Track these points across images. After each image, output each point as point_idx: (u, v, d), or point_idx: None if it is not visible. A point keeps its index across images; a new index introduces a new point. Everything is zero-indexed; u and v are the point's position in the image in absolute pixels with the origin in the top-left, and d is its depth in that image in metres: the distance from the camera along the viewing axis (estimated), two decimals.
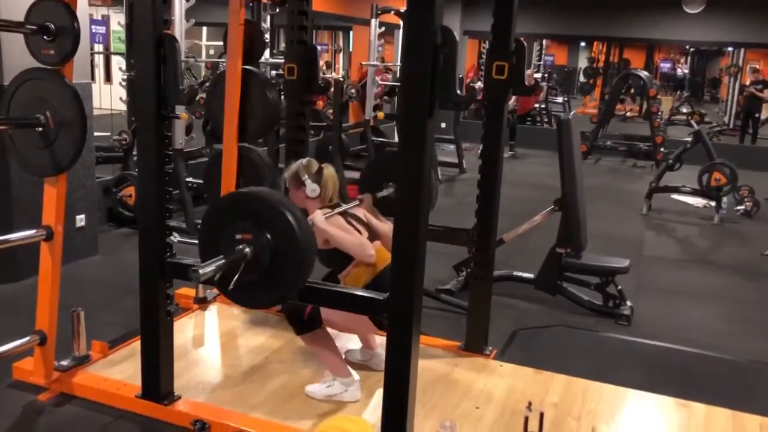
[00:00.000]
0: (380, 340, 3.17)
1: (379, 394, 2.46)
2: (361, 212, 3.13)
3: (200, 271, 2.20)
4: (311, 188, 2.99)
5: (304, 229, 2.32)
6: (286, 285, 2.35)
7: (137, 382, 2.93)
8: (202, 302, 3.95)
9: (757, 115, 12.57)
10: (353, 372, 3.03)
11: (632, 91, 11.05)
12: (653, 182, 7.54)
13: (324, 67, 15.13)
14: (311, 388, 3.02)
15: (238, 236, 2.29)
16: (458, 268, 4.71)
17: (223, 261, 2.25)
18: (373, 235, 3.05)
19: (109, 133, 7.09)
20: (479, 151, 3.39)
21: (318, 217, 2.83)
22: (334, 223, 2.91)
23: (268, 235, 2.28)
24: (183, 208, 5.58)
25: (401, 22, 9.04)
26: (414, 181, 2.23)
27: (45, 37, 2.78)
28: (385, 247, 2.96)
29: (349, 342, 3.44)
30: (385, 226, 3.09)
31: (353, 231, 2.96)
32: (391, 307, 2.35)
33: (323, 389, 3.00)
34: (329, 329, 3.02)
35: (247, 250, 2.28)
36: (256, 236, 2.28)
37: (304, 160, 3.08)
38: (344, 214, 3.02)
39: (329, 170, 3.07)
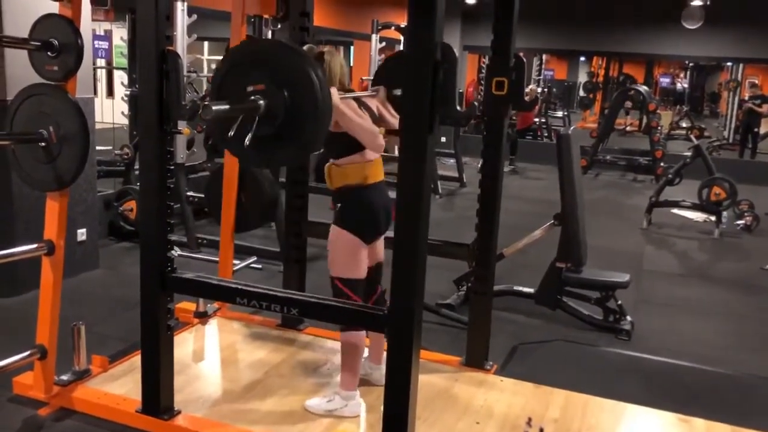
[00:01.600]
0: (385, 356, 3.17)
1: (379, 409, 2.45)
2: (374, 104, 3.00)
3: (213, 108, 2.11)
4: None
5: (324, 89, 2.22)
6: (304, 140, 2.24)
7: (137, 397, 2.92)
8: (203, 316, 3.95)
9: (756, 129, 12.61)
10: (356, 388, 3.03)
11: (631, 104, 11.10)
12: (653, 197, 7.55)
13: None
14: (311, 403, 3.02)
15: (249, 88, 2.20)
16: (458, 283, 4.71)
17: (234, 106, 2.16)
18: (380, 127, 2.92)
19: (110, 147, 7.11)
20: (479, 166, 3.41)
21: (334, 93, 2.58)
22: (349, 105, 2.76)
23: (285, 90, 2.19)
24: (184, 222, 5.59)
25: (402, 38, 9.10)
26: (414, 196, 2.24)
27: (49, 53, 2.80)
28: (392, 145, 2.86)
29: None
30: (396, 122, 2.94)
31: (367, 118, 2.84)
32: (391, 322, 2.36)
33: (323, 404, 2.99)
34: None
35: (261, 102, 2.20)
36: (270, 88, 2.19)
37: (305, 46, 2.94)
38: (358, 100, 2.90)
39: (334, 56, 2.91)
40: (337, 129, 2.74)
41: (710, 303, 5.07)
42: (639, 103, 11.12)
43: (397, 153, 2.54)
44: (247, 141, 2.21)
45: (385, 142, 2.86)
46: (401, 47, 9.98)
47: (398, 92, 3.18)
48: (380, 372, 3.21)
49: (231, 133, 2.23)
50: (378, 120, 2.95)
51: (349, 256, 2.89)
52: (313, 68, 2.25)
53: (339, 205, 2.91)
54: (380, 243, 3.06)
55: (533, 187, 9.62)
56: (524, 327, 4.34)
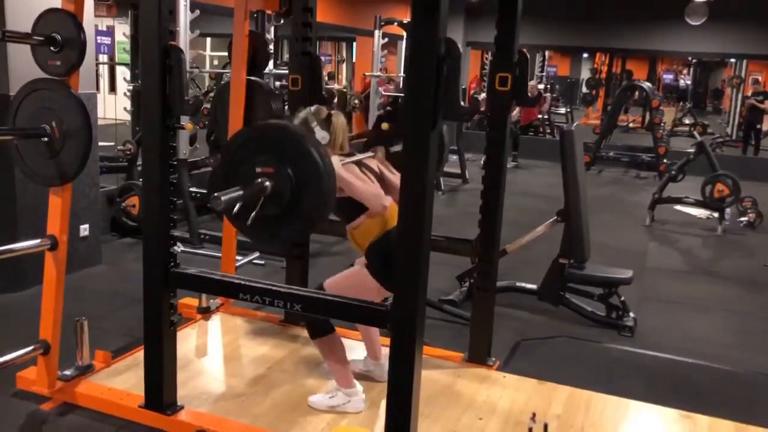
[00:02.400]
0: (385, 351, 3.17)
1: (382, 404, 2.45)
2: (374, 163, 3.04)
3: (222, 198, 2.15)
4: (321, 135, 2.87)
5: (327, 166, 2.25)
6: (307, 220, 2.28)
7: (140, 392, 2.93)
8: (206, 312, 3.95)
9: (758, 126, 12.58)
10: (357, 383, 3.03)
11: (635, 102, 11.14)
12: (656, 193, 7.54)
13: (327, 78, 15.18)
14: (314, 399, 3.02)
15: (258, 169, 2.23)
16: (461, 279, 4.71)
17: (242, 192, 2.20)
18: (386, 187, 2.96)
19: (113, 143, 7.11)
20: (482, 162, 3.40)
21: (336, 162, 2.67)
22: (350, 170, 2.83)
23: (290, 170, 2.22)
24: (186, 218, 5.60)
25: (405, 34, 9.09)
26: (417, 192, 2.24)
27: (52, 48, 2.80)
28: (396, 201, 2.90)
29: (352, 352, 3.44)
30: (397, 180, 3.02)
31: (368, 180, 2.89)
32: (394, 318, 2.36)
33: (326, 400, 2.99)
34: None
35: (268, 183, 2.23)
36: (278, 169, 2.22)
37: (312, 107, 2.97)
38: (359, 163, 2.94)
39: (339, 118, 2.97)
40: (341, 194, 2.79)
41: (713, 300, 5.07)
42: (642, 100, 11.10)
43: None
44: (249, 221, 2.25)
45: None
46: (404, 43, 9.98)
47: (397, 148, 3.24)
48: (381, 368, 3.21)
49: (235, 210, 2.27)
50: (380, 178, 2.99)
51: (362, 289, 2.84)
52: (316, 148, 2.28)
53: (371, 253, 2.88)
54: None
55: (536, 184, 9.61)
56: (527, 323, 4.34)
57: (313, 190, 2.25)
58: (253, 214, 2.23)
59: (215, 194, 2.17)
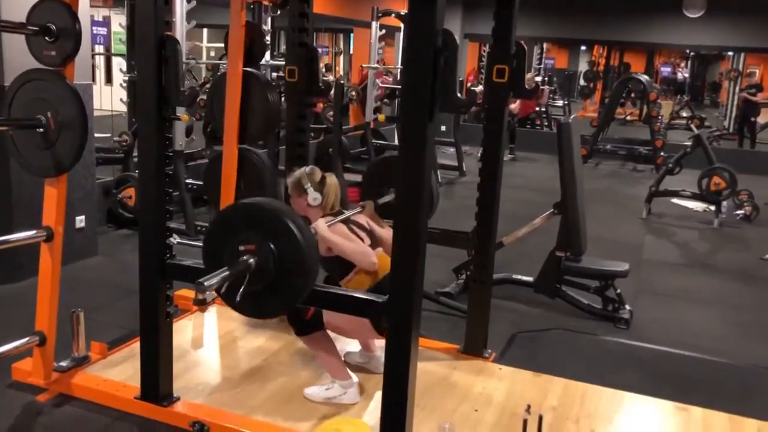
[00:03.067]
0: (379, 343, 3.18)
1: (378, 396, 2.46)
2: (363, 219, 3.12)
3: (206, 284, 2.20)
4: (313, 197, 2.98)
5: (307, 238, 2.31)
6: (292, 294, 2.34)
7: (136, 384, 2.93)
8: (202, 304, 3.95)
9: (753, 119, 12.58)
10: (352, 374, 3.04)
11: (632, 95, 11.14)
12: (653, 186, 7.55)
13: (324, 70, 15.15)
14: (310, 391, 3.02)
15: (241, 248, 2.28)
16: (458, 271, 4.71)
17: (227, 272, 2.24)
18: (376, 241, 3.05)
19: (109, 134, 7.09)
20: (479, 154, 3.40)
21: (321, 225, 2.83)
22: (337, 230, 2.91)
23: (272, 245, 2.27)
24: (183, 209, 5.58)
25: (402, 25, 9.07)
26: (414, 184, 2.23)
27: (46, 38, 2.78)
28: (387, 253, 2.96)
29: (348, 345, 3.44)
30: (388, 232, 3.08)
31: (355, 239, 2.95)
32: (390, 310, 2.35)
33: (322, 392, 3.00)
34: (330, 332, 3.02)
35: (252, 260, 2.27)
36: (260, 246, 2.27)
37: (307, 168, 3.07)
38: (346, 221, 3.02)
39: (332, 179, 3.07)
40: (330, 254, 2.88)
41: (709, 293, 5.08)
42: (639, 93, 11.09)
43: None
44: (238, 297, 2.27)
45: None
46: (401, 35, 9.95)
47: (387, 199, 3.28)
48: (376, 360, 3.23)
49: (223, 290, 2.31)
50: (370, 233, 3.04)
51: (353, 323, 2.83)
52: (295, 223, 2.30)
53: None
54: None
55: (533, 176, 9.61)
56: (523, 315, 4.35)
57: (295, 263, 2.28)
58: (241, 289, 2.27)
59: (198, 281, 2.19)
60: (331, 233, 2.85)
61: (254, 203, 2.44)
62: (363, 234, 3.02)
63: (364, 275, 2.92)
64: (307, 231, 2.35)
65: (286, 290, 2.33)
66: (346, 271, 2.94)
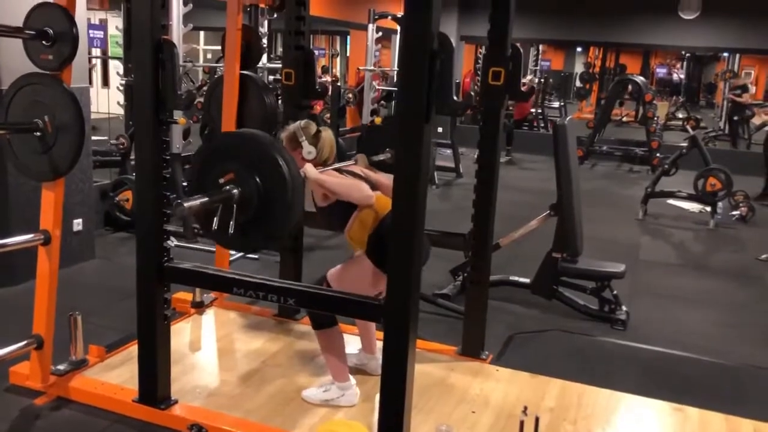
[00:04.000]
0: (379, 345, 3.18)
1: (376, 398, 2.46)
2: (357, 169, 3.06)
3: (185, 204, 2.19)
4: (308, 150, 2.90)
5: (292, 168, 2.30)
6: (277, 225, 2.33)
7: (134, 387, 2.93)
8: (199, 306, 3.95)
9: (736, 117, 12.58)
10: (351, 377, 3.04)
11: (628, 95, 11.15)
12: (649, 187, 7.57)
13: (320, 72, 15.15)
14: (308, 393, 3.03)
15: (221, 180, 2.28)
16: (455, 273, 4.72)
17: (207, 198, 2.26)
18: (372, 186, 2.95)
19: (106, 138, 7.09)
20: (476, 156, 3.41)
21: (309, 168, 2.74)
22: (329, 174, 2.84)
23: (256, 177, 2.28)
24: None
25: (398, 27, 9.07)
26: (411, 185, 2.24)
27: (44, 42, 2.79)
28: (387, 195, 2.89)
29: (347, 346, 3.45)
30: (383, 178, 3.02)
31: (347, 177, 2.89)
32: (388, 312, 2.36)
33: (320, 394, 3.00)
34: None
35: (235, 191, 2.27)
36: (242, 176, 2.27)
37: (302, 122, 2.99)
38: (339, 170, 2.95)
39: (327, 133, 2.99)
40: (327, 201, 2.85)
41: (705, 293, 5.09)
42: (635, 94, 11.12)
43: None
44: (231, 229, 2.29)
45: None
46: (398, 37, 9.96)
47: (381, 157, 3.27)
48: (376, 362, 3.23)
49: (215, 226, 2.33)
50: (366, 181, 2.98)
51: (360, 278, 2.86)
52: (279, 153, 2.32)
53: (369, 248, 2.87)
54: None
55: (529, 178, 9.63)
56: (520, 317, 4.36)
57: (280, 197, 2.28)
58: (232, 221, 2.28)
59: (178, 201, 2.21)
60: (321, 174, 2.77)
61: (238, 134, 2.44)
62: (358, 180, 2.95)
63: (365, 215, 2.84)
64: (293, 162, 2.33)
65: (270, 222, 2.32)
66: (345, 219, 2.87)
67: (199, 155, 2.48)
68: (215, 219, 2.32)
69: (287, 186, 2.29)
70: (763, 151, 8.91)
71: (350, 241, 2.96)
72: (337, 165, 2.98)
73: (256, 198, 2.28)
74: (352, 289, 2.83)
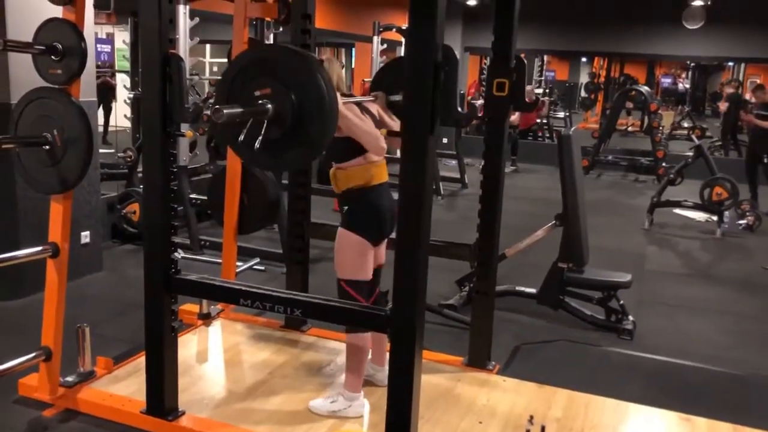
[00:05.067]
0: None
1: (383, 409, 2.46)
2: (374, 108, 3.04)
3: (224, 111, 2.15)
4: None
5: (330, 89, 2.26)
6: (312, 142, 2.29)
7: (142, 398, 2.94)
8: (206, 318, 3.96)
9: (756, 148, 12.34)
10: (361, 389, 3.04)
11: (631, 104, 11.11)
12: (655, 197, 7.56)
13: None
14: (314, 404, 3.03)
15: (256, 93, 2.23)
16: (461, 283, 4.72)
17: (242, 109, 2.21)
18: (382, 127, 2.97)
19: (113, 150, 7.13)
20: (481, 166, 3.42)
21: (338, 98, 2.62)
22: (351, 109, 2.80)
23: (293, 93, 2.23)
24: (187, 224, 5.61)
25: (403, 39, 9.11)
26: (416, 197, 2.26)
27: (53, 57, 2.82)
28: (393, 146, 2.93)
29: None
30: (395, 124, 3.01)
31: (369, 121, 2.88)
32: (393, 322, 2.37)
33: (327, 405, 3.01)
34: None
35: (269, 106, 2.23)
36: (278, 92, 2.22)
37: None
38: (359, 105, 2.93)
39: (333, 63, 2.95)
40: (339, 133, 2.76)
41: (712, 303, 5.08)
42: (640, 104, 11.12)
43: (399, 154, 2.57)
44: (257, 144, 2.24)
45: (387, 144, 2.89)
46: (402, 49, 10.00)
47: (397, 98, 3.21)
48: (383, 373, 3.22)
49: (241, 137, 2.27)
50: (379, 124, 2.98)
51: (357, 257, 2.89)
52: (320, 72, 2.28)
53: (345, 208, 2.93)
54: (383, 246, 3.08)
55: (535, 188, 9.63)
56: (526, 327, 4.35)
57: (316, 113, 2.23)
58: (260, 137, 2.22)
59: (217, 107, 2.16)
60: (347, 108, 2.74)
61: (278, 48, 2.37)
62: (372, 122, 2.93)
63: (355, 174, 2.86)
64: (331, 85, 2.28)
65: (300, 145, 2.27)
66: (348, 155, 2.87)
67: (235, 64, 2.41)
68: (243, 132, 2.27)
69: (325, 109, 2.23)
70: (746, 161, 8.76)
71: (332, 178, 2.96)
72: (357, 99, 2.95)
73: (289, 117, 2.23)
74: (353, 268, 2.89)
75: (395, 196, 2.50)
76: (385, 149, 2.84)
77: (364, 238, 2.86)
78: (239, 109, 2.22)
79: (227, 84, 2.38)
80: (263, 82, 2.26)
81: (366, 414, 3.00)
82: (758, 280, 5.67)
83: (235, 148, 2.41)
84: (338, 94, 2.66)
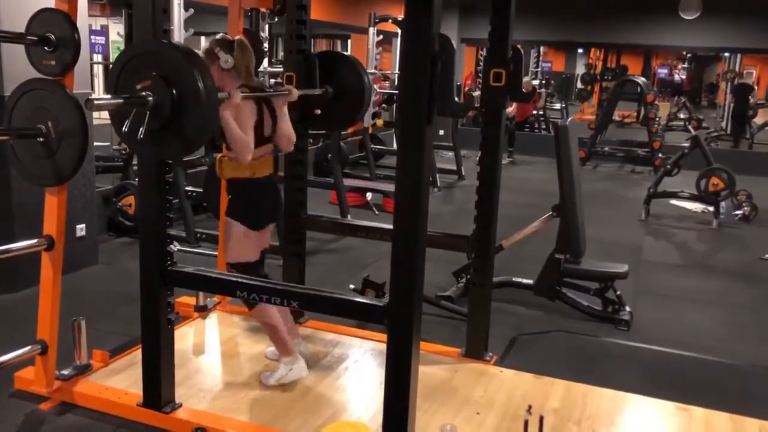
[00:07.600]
0: (382, 347, 3.18)
1: (380, 399, 2.46)
2: (280, 104, 3.13)
3: (95, 102, 2.22)
4: (224, 59, 2.92)
5: (208, 86, 2.32)
6: (189, 137, 2.36)
7: (138, 391, 2.94)
8: (203, 310, 3.96)
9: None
10: (297, 352, 3.17)
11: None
12: (651, 188, 7.57)
13: None
14: (262, 378, 3.16)
15: (138, 86, 2.32)
16: (458, 275, 4.72)
17: (120, 100, 2.29)
18: (275, 131, 3.09)
19: (108, 143, 7.11)
20: (478, 158, 3.41)
21: (235, 96, 2.79)
22: (244, 108, 2.88)
23: (173, 88, 2.30)
24: (183, 217, 5.60)
25: (399, 30, 9.09)
26: (412, 188, 2.25)
27: (46, 47, 2.80)
28: (282, 147, 3.13)
29: (344, 347, 3.46)
30: (288, 127, 3.15)
31: (250, 127, 2.92)
32: (391, 314, 2.37)
33: (271, 378, 3.13)
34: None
35: (150, 98, 2.30)
36: (158, 84, 2.30)
37: (218, 35, 3.05)
38: (266, 99, 3.04)
39: (243, 43, 3.01)
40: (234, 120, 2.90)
41: (709, 293, 5.09)
42: (636, 95, 11.11)
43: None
44: (140, 134, 2.33)
45: (278, 141, 3.12)
46: (399, 40, 9.97)
47: (315, 92, 3.28)
48: (303, 345, 3.39)
49: (125, 128, 2.37)
50: (274, 123, 3.09)
51: (239, 243, 3.08)
52: (197, 66, 2.33)
53: (230, 197, 3.09)
54: (267, 231, 3.23)
55: (532, 179, 9.62)
56: (523, 318, 4.36)
57: (192, 107, 2.31)
58: (143, 128, 2.32)
59: (88, 98, 2.24)
60: (234, 109, 2.82)
61: (160, 42, 2.48)
62: (269, 120, 3.05)
63: (244, 165, 2.96)
64: (211, 82, 2.35)
65: (180, 135, 2.35)
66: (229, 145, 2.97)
67: (120, 58, 2.48)
68: (127, 122, 2.36)
69: (201, 103, 2.31)
70: None
71: (218, 164, 3.07)
72: (264, 94, 3.06)
73: (168, 108, 2.31)
74: (240, 255, 3.07)
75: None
76: (248, 160, 2.92)
77: (245, 226, 3.05)
78: (116, 100, 2.31)
79: (115, 76, 2.44)
80: (145, 75, 2.33)
81: (364, 409, 3.00)
82: (755, 271, 5.68)
83: (121, 137, 2.50)
84: (237, 91, 2.82)
